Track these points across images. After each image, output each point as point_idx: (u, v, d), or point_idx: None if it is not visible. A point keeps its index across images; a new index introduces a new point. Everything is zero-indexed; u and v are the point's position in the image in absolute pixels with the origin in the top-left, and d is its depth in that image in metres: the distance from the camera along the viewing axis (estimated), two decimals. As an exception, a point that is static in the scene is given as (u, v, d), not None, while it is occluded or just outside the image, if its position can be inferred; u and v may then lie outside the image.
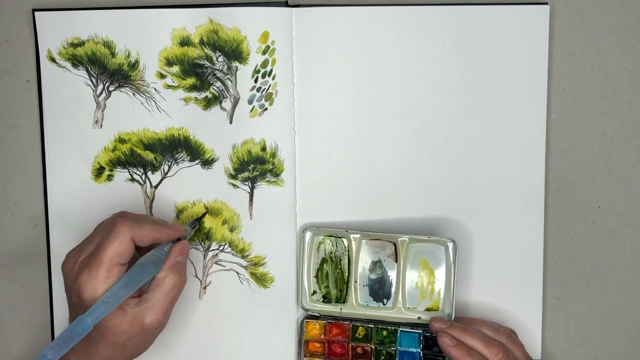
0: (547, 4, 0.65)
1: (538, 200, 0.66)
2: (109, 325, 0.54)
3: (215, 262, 0.66)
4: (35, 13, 0.64)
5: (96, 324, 0.52)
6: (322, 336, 0.64)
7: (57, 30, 0.64)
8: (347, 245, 0.64)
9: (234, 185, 0.65)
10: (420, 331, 0.63)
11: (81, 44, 0.64)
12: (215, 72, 0.64)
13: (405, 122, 0.65)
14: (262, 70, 0.64)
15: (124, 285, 0.54)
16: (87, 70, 0.64)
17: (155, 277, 0.56)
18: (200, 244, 0.66)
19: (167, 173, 0.65)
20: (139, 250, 0.58)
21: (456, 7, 0.64)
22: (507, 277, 0.66)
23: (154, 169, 0.65)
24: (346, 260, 0.64)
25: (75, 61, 0.64)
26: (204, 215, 0.65)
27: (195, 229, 0.63)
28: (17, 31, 0.65)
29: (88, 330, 0.51)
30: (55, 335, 0.66)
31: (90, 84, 0.64)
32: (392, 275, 0.64)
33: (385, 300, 0.64)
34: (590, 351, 0.69)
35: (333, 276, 0.64)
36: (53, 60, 0.64)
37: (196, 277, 0.66)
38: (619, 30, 0.66)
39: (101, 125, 0.64)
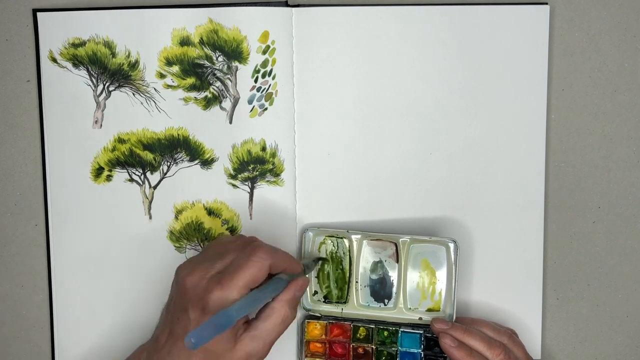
0: (547, 4, 0.64)
1: (538, 200, 0.65)
2: (216, 350, 0.51)
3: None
4: (38, 14, 0.62)
5: (201, 347, 0.48)
6: (323, 336, 0.63)
7: (58, 30, 0.63)
8: (348, 246, 0.62)
9: (234, 185, 0.64)
10: (421, 332, 0.62)
11: (82, 44, 0.63)
12: (215, 72, 0.62)
13: (405, 122, 0.64)
14: (262, 70, 0.63)
15: (253, 301, 0.51)
16: (88, 70, 0.63)
17: (270, 306, 0.54)
18: (200, 244, 0.64)
19: (166, 173, 0.64)
20: None
21: (456, 7, 0.63)
22: (507, 277, 0.65)
23: (153, 169, 0.64)
24: (347, 261, 0.63)
25: (76, 61, 0.63)
26: (324, 258, 0.63)
27: (316, 266, 0.62)
28: (17, 31, 0.64)
29: (230, 323, 0.47)
30: (55, 336, 0.64)
31: (91, 84, 0.63)
32: (393, 275, 0.62)
33: (386, 301, 0.63)
34: (590, 351, 0.68)
35: (334, 276, 0.63)
36: (55, 60, 0.63)
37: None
38: (619, 30, 0.65)
39: (101, 125, 0.63)
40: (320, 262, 0.63)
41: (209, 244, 0.59)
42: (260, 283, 0.52)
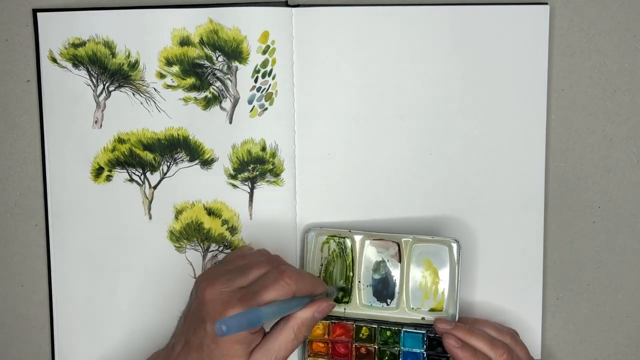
0: (547, 4, 0.62)
1: (538, 200, 0.63)
2: (232, 358, 0.50)
3: (215, 263, 0.62)
4: (38, 14, 0.61)
5: (218, 354, 0.49)
6: (326, 336, 0.61)
7: (58, 30, 0.61)
8: (350, 246, 0.61)
9: (234, 186, 0.62)
10: (423, 332, 0.60)
11: (82, 44, 0.61)
12: (215, 72, 0.61)
13: (405, 122, 0.62)
14: (262, 70, 0.61)
15: (282, 309, 0.50)
16: (88, 71, 0.61)
17: (286, 321, 0.52)
18: (200, 244, 0.62)
19: (166, 173, 0.62)
20: None
21: (456, 7, 0.61)
22: (507, 277, 0.64)
23: (153, 169, 0.62)
24: (350, 261, 0.61)
25: (76, 61, 0.61)
26: (344, 288, 0.61)
27: (338, 292, 0.61)
28: (17, 31, 0.62)
29: (260, 323, 0.47)
30: (55, 336, 0.63)
31: (91, 84, 0.61)
32: (395, 275, 0.61)
33: (389, 301, 0.61)
34: (590, 351, 0.66)
35: (338, 277, 0.61)
36: (55, 60, 0.61)
37: (194, 278, 0.62)
38: (619, 30, 0.63)
39: (101, 126, 0.61)
40: (339, 290, 0.61)
41: (230, 254, 0.58)
42: None
